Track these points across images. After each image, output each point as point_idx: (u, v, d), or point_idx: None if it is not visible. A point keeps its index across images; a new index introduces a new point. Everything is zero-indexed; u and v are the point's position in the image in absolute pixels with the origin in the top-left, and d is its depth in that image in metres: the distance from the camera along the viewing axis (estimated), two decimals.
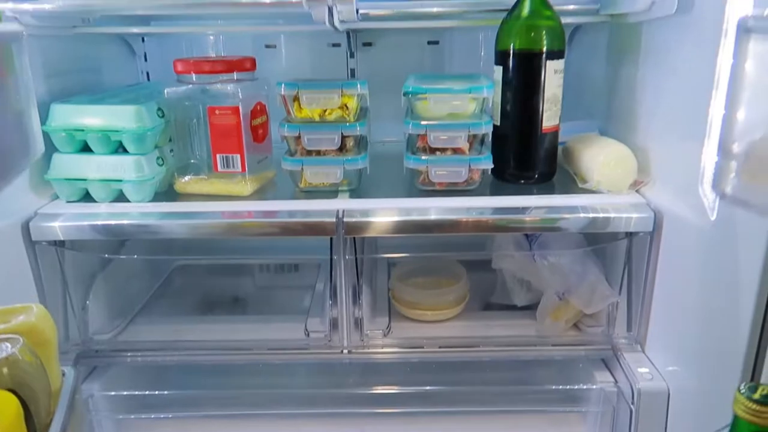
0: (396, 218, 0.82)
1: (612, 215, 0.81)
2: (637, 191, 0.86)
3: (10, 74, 0.46)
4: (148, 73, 1.27)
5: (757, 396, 0.41)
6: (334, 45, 1.25)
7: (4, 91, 0.44)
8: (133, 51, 1.24)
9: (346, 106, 0.87)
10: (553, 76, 0.87)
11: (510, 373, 0.95)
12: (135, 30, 1.09)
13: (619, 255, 0.87)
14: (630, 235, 0.84)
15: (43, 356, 0.52)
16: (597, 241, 0.91)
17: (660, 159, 0.84)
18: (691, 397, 0.76)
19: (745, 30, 0.62)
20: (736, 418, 0.43)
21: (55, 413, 0.52)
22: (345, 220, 0.82)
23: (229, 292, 1.16)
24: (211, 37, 1.25)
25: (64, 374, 0.58)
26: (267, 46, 1.25)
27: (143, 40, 1.25)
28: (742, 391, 0.42)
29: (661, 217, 0.80)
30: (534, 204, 0.84)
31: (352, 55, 1.24)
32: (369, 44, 1.25)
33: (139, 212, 0.85)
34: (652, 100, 0.86)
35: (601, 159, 0.86)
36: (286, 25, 1.18)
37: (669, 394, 0.79)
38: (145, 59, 1.26)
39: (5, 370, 0.48)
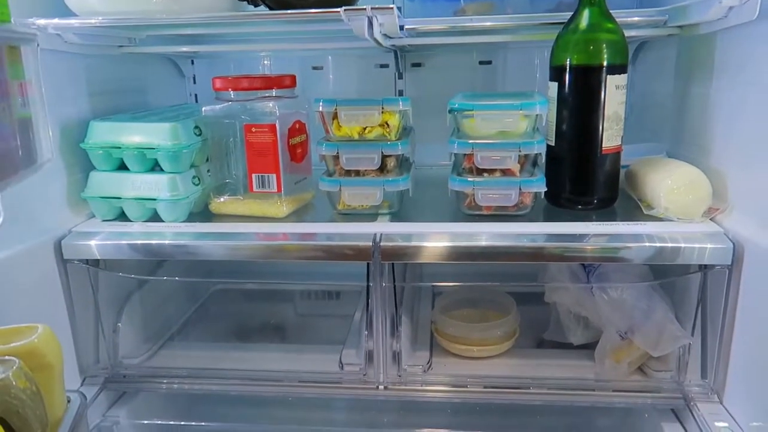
0: (438, 244, 0.76)
1: (682, 245, 0.72)
2: (711, 219, 0.77)
3: (14, 79, 0.43)
4: (196, 96, 1.27)
5: None
6: (382, 66, 1.21)
7: (7, 96, 0.41)
8: (182, 73, 1.24)
9: (387, 123, 0.82)
10: (614, 92, 0.79)
11: (564, 419, 0.85)
12: (180, 49, 1.08)
13: (692, 291, 0.77)
14: (704, 268, 0.74)
15: (42, 381, 0.48)
16: (665, 274, 0.81)
17: (739, 184, 0.74)
18: None
19: None
20: None
21: None
22: (382, 244, 0.76)
23: (266, 318, 1.12)
24: (261, 60, 1.24)
25: (69, 401, 0.54)
26: (314, 68, 1.23)
27: (192, 62, 1.25)
28: None
29: (742, 249, 0.70)
30: (593, 231, 0.76)
31: (400, 76, 1.20)
32: (418, 65, 1.20)
33: (172, 232, 0.82)
34: (729, 118, 0.77)
35: (669, 183, 0.78)
36: (334, 42, 1.15)
37: None
38: (194, 81, 1.26)
39: None
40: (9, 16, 0.46)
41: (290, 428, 0.87)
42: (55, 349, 0.52)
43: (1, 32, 0.43)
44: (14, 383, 0.44)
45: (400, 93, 1.21)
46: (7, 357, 0.46)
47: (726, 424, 0.72)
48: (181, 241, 0.80)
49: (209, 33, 1.09)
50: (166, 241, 0.80)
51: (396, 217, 0.85)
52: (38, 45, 0.48)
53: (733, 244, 0.71)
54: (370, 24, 0.73)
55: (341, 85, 1.24)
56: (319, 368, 0.86)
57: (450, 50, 1.18)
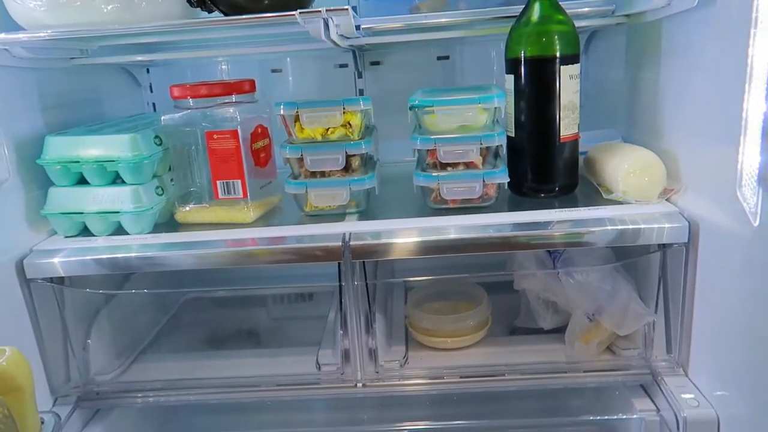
0: (407, 239, 0.77)
1: (642, 226, 0.74)
2: (667, 200, 0.80)
3: None
4: (154, 104, 1.25)
5: None
6: (341, 66, 1.21)
7: None
8: (138, 82, 1.22)
9: (349, 123, 0.82)
10: (568, 81, 0.81)
11: (539, 402, 0.87)
12: (135, 58, 1.07)
13: (653, 270, 0.80)
14: (663, 247, 0.77)
15: (14, 404, 0.47)
16: (627, 255, 0.84)
17: (691, 164, 0.77)
18: (743, 424, 0.68)
19: None
20: None
21: None
22: (351, 243, 0.76)
23: (240, 324, 1.11)
24: (219, 65, 1.23)
25: (43, 422, 0.53)
26: (273, 71, 1.23)
27: (148, 71, 1.23)
28: None
29: (697, 227, 0.73)
30: (556, 218, 0.78)
31: (360, 75, 1.21)
32: (377, 63, 1.21)
33: (138, 244, 0.81)
34: (676, 102, 0.80)
35: (626, 167, 0.80)
36: (291, 44, 1.15)
37: (719, 423, 0.71)
38: (151, 90, 1.24)
39: None
40: None
41: None
42: (25, 370, 0.51)
43: None
44: None
45: (361, 92, 1.22)
46: None
47: (692, 396, 0.75)
48: (149, 252, 0.79)
49: (164, 41, 1.08)
50: (133, 254, 0.79)
51: (364, 215, 0.85)
52: None
53: (689, 222, 0.74)
54: (326, 26, 0.74)
55: (301, 87, 1.23)
56: (297, 370, 0.86)
57: (408, 47, 1.19)
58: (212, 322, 1.11)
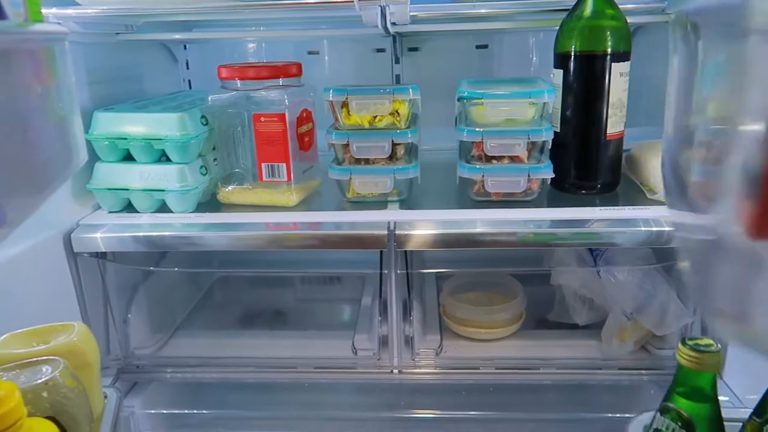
0: (450, 231, 0.77)
1: None
2: None
3: (53, 78, 0.42)
4: (189, 81, 1.25)
5: (691, 344, 0.52)
6: (378, 50, 1.21)
7: (47, 96, 0.41)
8: (175, 59, 1.22)
9: (397, 112, 0.82)
10: (618, 79, 0.81)
11: (573, 396, 0.88)
12: (177, 36, 1.07)
13: None
14: None
15: (84, 379, 0.49)
16: (668, 256, 0.84)
17: None
18: None
19: None
20: (678, 366, 0.54)
21: None
22: (396, 232, 0.77)
23: (270, 304, 1.13)
24: (253, 45, 1.23)
25: (106, 397, 0.55)
26: (310, 53, 1.22)
27: (185, 47, 1.23)
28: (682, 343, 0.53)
29: None
30: (597, 216, 0.78)
31: (397, 61, 1.20)
32: (415, 49, 1.20)
33: (181, 223, 0.82)
34: None
35: None
36: (330, 30, 1.15)
37: None
38: (187, 67, 1.24)
39: (45, 394, 0.44)
40: (41, 14, 0.45)
41: (304, 414, 0.88)
42: (93, 346, 0.52)
43: (37, 32, 0.42)
44: (63, 382, 0.45)
45: (397, 78, 1.21)
46: (52, 357, 0.46)
47: (727, 398, 0.76)
48: (192, 232, 0.80)
49: (206, 20, 1.08)
50: (176, 233, 0.80)
51: (405, 204, 0.86)
52: (68, 42, 0.47)
53: None
54: (383, 13, 0.73)
55: (337, 70, 1.23)
56: (332, 354, 0.87)
57: (447, 35, 1.18)
58: (244, 302, 1.12)
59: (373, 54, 1.21)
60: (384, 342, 0.84)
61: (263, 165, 0.85)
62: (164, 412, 0.88)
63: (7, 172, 0.32)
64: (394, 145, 0.83)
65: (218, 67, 0.85)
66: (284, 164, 0.84)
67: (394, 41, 1.17)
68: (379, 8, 0.73)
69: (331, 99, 0.82)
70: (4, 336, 0.51)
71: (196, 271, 1.09)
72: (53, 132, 0.42)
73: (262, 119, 0.83)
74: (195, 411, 0.89)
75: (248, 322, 1.05)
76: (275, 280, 1.20)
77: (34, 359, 0.47)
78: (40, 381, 0.44)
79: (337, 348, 0.88)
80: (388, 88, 0.81)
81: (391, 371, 0.84)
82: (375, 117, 0.83)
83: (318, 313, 1.10)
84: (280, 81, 0.85)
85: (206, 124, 0.86)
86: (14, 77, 0.34)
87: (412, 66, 1.21)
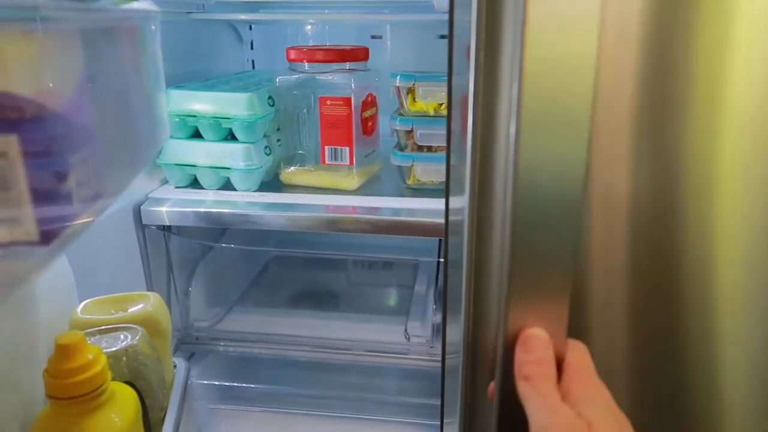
0: None
1: None
2: None
3: (144, 56, 0.44)
4: (253, 61, 1.27)
5: None
6: (442, 37, 1.19)
7: (140, 74, 0.42)
8: (241, 38, 1.24)
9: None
10: None
11: None
12: (243, 17, 1.08)
13: None
14: None
15: (158, 347, 0.50)
16: None
17: None
18: None
19: None
20: None
21: (168, 408, 0.50)
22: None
23: (322, 285, 1.14)
24: (316, 26, 1.23)
25: (175, 366, 0.57)
26: (373, 37, 1.22)
27: (251, 27, 1.25)
28: None
29: None
30: None
31: None
32: None
33: (245, 201, 0.83)
34: None
35: None
36: (393, 15, 1.14)
37: None
38: (252, 47, 1.26)
39: (124, 360, 0.46)
40: None
41: (352, 395, 0.89)
42: (166, 316, 0.54)
43: (135, 11, 0.43)
44: (141, 350, 0.47)
45: None
46: (130, 325, 0.48)
47: None
48: (253, 211, 0.81)
49: (275, 0, 1.09)
50: (237, 211, 0.82)
51: None
52: (158, 22, 0.49)
53: None
54: None
55: (399, 55, 1.22)
56: (384, 338, 0.88)
57: None
58: (297, 282, 1.14)
59: (436, 40, 1.20)
60: (437, 330, 0.84)
61: (326, 148, 0.86)
62: (217, 383, 0.91)
63: (111, 145, 0.33)
64: None
65: (286, 49, 0.86)
66: (347, 148, 0.85)
67: None
68: None
69: (398, 84, 0.82)
70: (85, 302, 0.53)
71: (255, 249, 1.11)
72: (144, 109, 0.43)
73: (328, 102, 0.83)
74: (247, 384, 0.91)
75: (301, 302, 1.07)
76: (327, 262, 1.21)
77: (114, 326, 0.49)
78: (120, 347, 0.46)
79: (389, 333, 0.89)
80: None
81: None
82: (441, 104, 0.82)
83: (369, 297, 1.11)
84: (347, 65, 0.85)
85: (272, 105, 0.87)
86: (118, 54, 0.35)
87: None
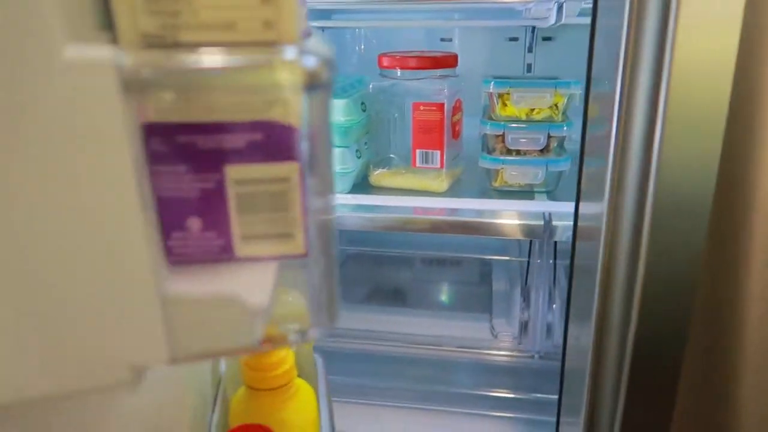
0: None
1: None
2: None
3: None
4: None
5: None
6: (511, 39, 1.22)
7: None
8: None
9: (556, 105, 0.84)
10: None
11: None
12: (316, 24, 1.11)
13: None
14: None
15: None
16: None
17: None
18: None
19: None
20: None
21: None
22: (552, 223, 0.79)
23: (395, 282, 1.18)
24: (387, 31, 1.26)
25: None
26: (442, 40, 1.25)
27: (323, 30, 1.28)
28: None
29: None
30: None
31: (530, 50, 1.21)
32: (548, 39, 1.21)
33: (340, 204, 0.87)
34: None
35: None
36: (463, 20, 1.17)
37: None
38: None
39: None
40: None
41: (445, 389, 0.93)
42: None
43: None
44: (302, 345, 0.50)
45: (529, 67, 1.22)
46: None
47: None
48: (347, 213, 0.85)
49: (348, 8, 1.12)
50: (353, 214, 0.85)
51: (552, 196, 0.88)
52: None
53: None
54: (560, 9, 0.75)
55: (469, 58, 1.24)
56: (469, 335, 0.92)
57: (585, 26, 1.17)
58: (374, 279, 1.18)
59: (506, 43, 1.22)
60: (525, 328, 0.87)
61: (418, 151, 0.89)
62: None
63: None
64: (548, 137, 0.85)
65: (379, 56, 0.89)
66: (438, 151, 0.88)
67: (532, 31, 1.17)
68: (555, 4, 0.74)
69: (491, 90, 0.85)
70: None
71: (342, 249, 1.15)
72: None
73: (421, 108, 0.87)
74: (338, 377, 0.95)
75: (377, 298, 1.11)
76: (398, 259, 1.25)
77: None
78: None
79: (475, 330, 0.92)
80: (551, 82, 0.83)
81: (533, 356, 0.87)
82: (533, 109, 0.85)
83: (443, 294, 1.14)
84: (438, 72, 0.88)
85: (365, 110, 0.91)
86: None
87: (545, 56, 1.21)
